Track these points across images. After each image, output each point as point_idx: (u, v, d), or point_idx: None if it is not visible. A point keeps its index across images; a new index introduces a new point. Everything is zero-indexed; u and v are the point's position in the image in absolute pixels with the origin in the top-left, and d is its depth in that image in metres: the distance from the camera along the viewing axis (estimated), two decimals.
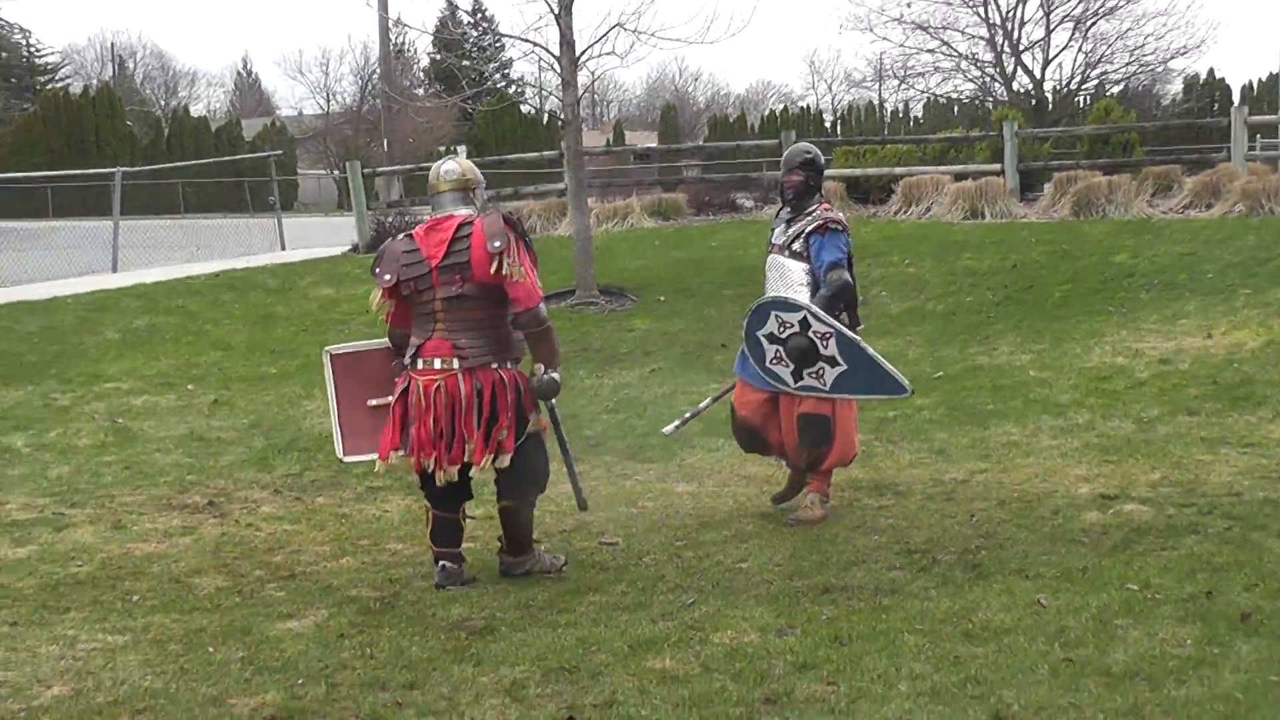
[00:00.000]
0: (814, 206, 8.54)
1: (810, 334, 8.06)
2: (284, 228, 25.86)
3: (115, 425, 11.40)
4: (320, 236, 26.78)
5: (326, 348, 7.38)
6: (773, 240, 8.69)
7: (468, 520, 7.25)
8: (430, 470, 6.86)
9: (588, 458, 10.07)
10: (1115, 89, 47.43)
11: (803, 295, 8.30)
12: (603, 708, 5.08)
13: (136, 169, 34.84)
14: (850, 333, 8.17)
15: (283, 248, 24.64)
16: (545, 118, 66.70)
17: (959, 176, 21.60)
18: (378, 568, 7.40)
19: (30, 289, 18.85)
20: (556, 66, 16.80)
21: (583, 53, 16.64)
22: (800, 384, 8.19)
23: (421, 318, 6.91)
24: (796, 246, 8.44)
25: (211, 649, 5.91)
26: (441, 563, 7.02)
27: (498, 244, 6.69)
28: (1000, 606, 6.18)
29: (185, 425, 11.44)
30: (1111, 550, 7.18)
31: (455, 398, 6.76)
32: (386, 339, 7.23)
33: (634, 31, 16.64)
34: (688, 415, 9.14)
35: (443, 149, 64.16)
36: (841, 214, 8.80)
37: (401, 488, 9.26)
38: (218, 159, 47.81)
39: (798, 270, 8.42)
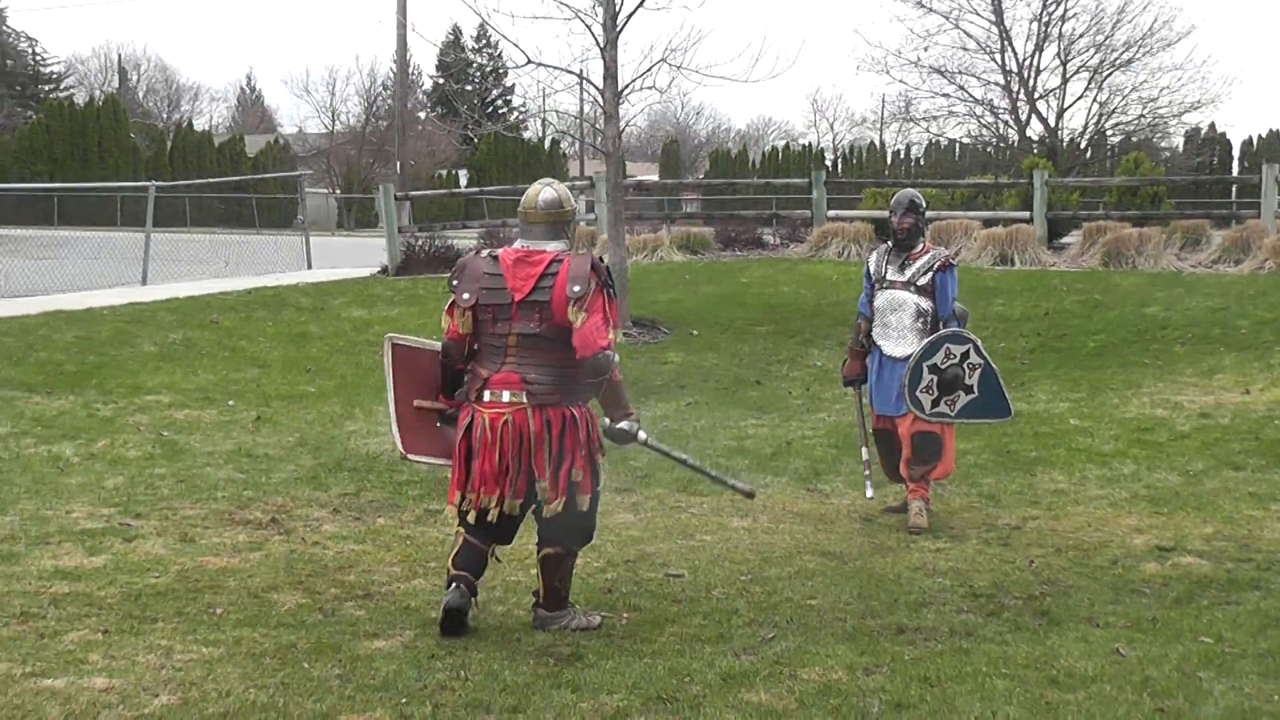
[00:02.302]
0: (920, 244, 9.43)
1: (965, 365, 8.97)
2: (310, 247, 25.96)
3: (161, 438, 11.46)
4: (334, 256, 26.91)
5: (388, 335, 7.12)
6: (886, 276, 9.42)
7: (494, 559, 6.86)
8: (489, 508, 6.53)
9: (639, 489, 10.16)
10: (1115, 139, 47.63)
11: (916, 326, 9.31)
12: None
13: (171, 184, 35.03)
14: (993, 363, 9.16)
15: (309, 266, 24.74)
16: (547, 144, 66.93)
17: (988, 223, 21.76)
18: None
19: (64, 298, 18.94)
20: (600, 99, 16.93)
21: (626, 86, 16.78)
22: (934, 410, 9.03)
23: (492, 349, 6.59)
24: (923, 282, 9.29)
25: (307, 665, 5.98)
26: (456, 584, 6.56)
27: (577, 289, 6.40)
28: (1079, 654, 6.27)
29: (231, 441, 11.50)
30: (1176, 602, 7.28)
31: (524, 432, 6.45)
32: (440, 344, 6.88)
33: (678, 68, 16.77)
34: (867, 472, 9.77)
35: (444, 173, 64.63)
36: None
37: None
38: (251, 176, 48.00)
39: (914, 304, 9.29)
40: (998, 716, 5.43)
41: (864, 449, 9.86)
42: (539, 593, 6.84)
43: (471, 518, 6.63)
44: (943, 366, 8.99)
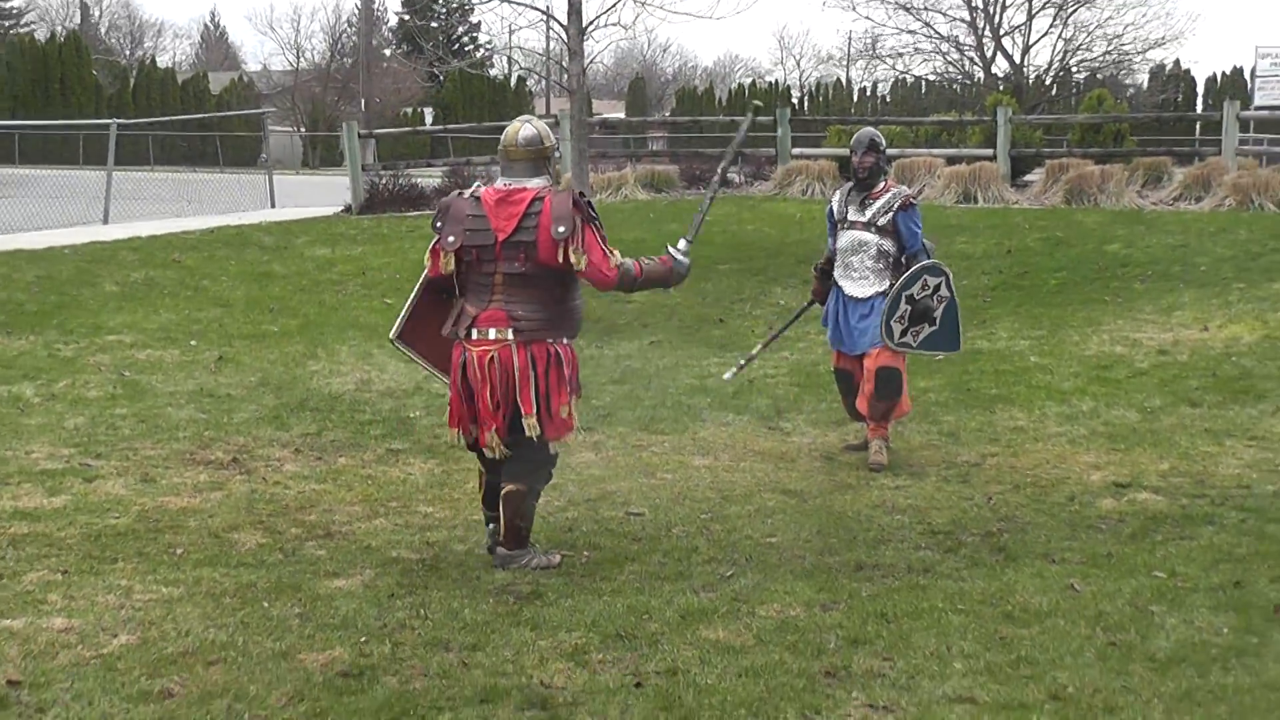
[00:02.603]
0: (882, 183, 9.46)
1: (936, 297, 9.09)
2: (274, 185, 25.81)
3: (123, 378, 11.42)
4: (298, 194, 26.77)
5: (390, 337, 7.17)
6: (848, 217, 9.44)
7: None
8: (494, 444, 6.67)
9: (600, 427, 10.17)
10: (1081, 77, 47.74)
11: (877, 267, 9.37)
12: (667, 675, 5.22)
13: (132, 121, 34.72)
14: (957, 298, 9.34)
15: (273, 205, 24.60)
16: (513, 82, 66.56)
17: (951, 160, 21.78)
18: (412, 530, 7.47)
19: (25, 237, 18.81)
20: (564, 35, 16.84)
21: (591, 23, 16.69)
22: (900, 340, 9.14)
23: (478, 287, 6.68)
24: (883, 222, 9.29)
25: (266, 604, 6.01)
26: (492, 525, 6.91)
27: (562, 229, 6.48)
28: (1035, 589, 6.34)
29: (193, 381, 11.47)
30: (1131, 538, 7.36)
31: (509, 369, 6.57)
32: (419, 285, 7.04)
33: (643, 4, 16.69)
34: (742, 362, 10.37)
35: (409, 111, 64.24)
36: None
37: (421, 450, 9.36)
38: (215, 114, 47.58)
39: (876, 244, 9.33)
40: (953, 651, 5.50)
41: (760, 346, 10.55)
42: (501, 530, 6.88)
43: (497, 453, 6.74)
44: (918, 297, 9.09)
